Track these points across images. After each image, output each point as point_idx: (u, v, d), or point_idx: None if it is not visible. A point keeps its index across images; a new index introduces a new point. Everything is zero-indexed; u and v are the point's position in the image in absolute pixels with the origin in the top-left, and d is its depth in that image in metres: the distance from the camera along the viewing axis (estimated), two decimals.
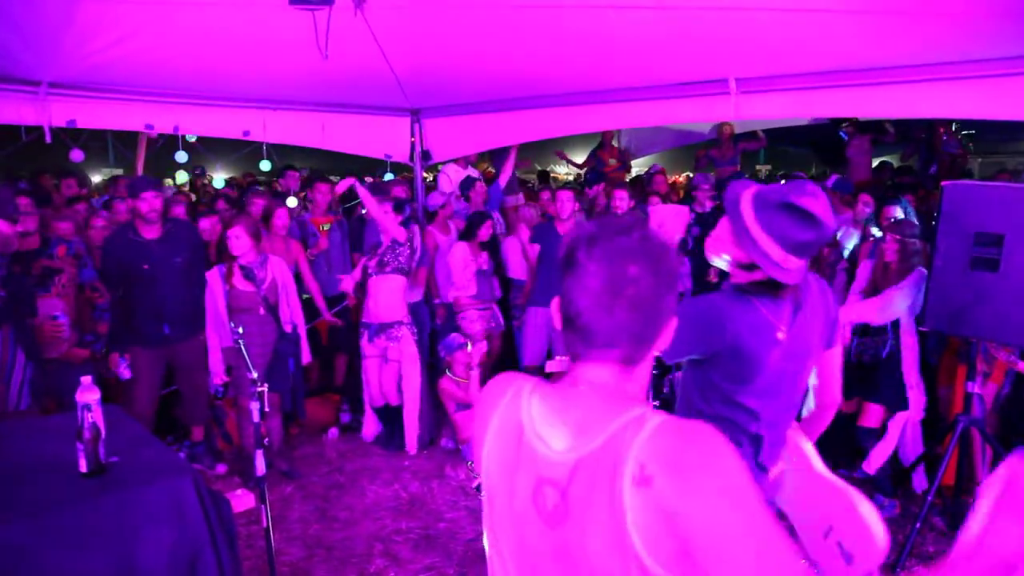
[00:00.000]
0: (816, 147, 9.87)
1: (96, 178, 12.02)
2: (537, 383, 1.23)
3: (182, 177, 7.44)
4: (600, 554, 1.07)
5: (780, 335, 1.93)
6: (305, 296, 5.78)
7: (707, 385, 2.04)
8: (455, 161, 7.15)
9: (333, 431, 5.48)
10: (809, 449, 2.19)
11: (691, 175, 10.32)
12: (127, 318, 4.47)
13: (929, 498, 3.69)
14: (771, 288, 1.93)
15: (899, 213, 4.77)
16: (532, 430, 1.18)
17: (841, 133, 7.72)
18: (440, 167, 7.62)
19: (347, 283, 5.27)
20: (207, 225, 5.37)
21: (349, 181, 5.37)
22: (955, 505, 4.09)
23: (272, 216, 5.28)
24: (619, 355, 1.14)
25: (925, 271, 3.87)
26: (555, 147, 9.76)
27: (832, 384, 2.19)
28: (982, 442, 3.96)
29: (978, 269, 3.35)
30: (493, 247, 6.02)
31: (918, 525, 3.69)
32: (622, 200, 5.74)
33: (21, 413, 3.73)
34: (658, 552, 1.02)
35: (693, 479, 1.01)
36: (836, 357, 2.16)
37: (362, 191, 5.17)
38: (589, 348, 1.14)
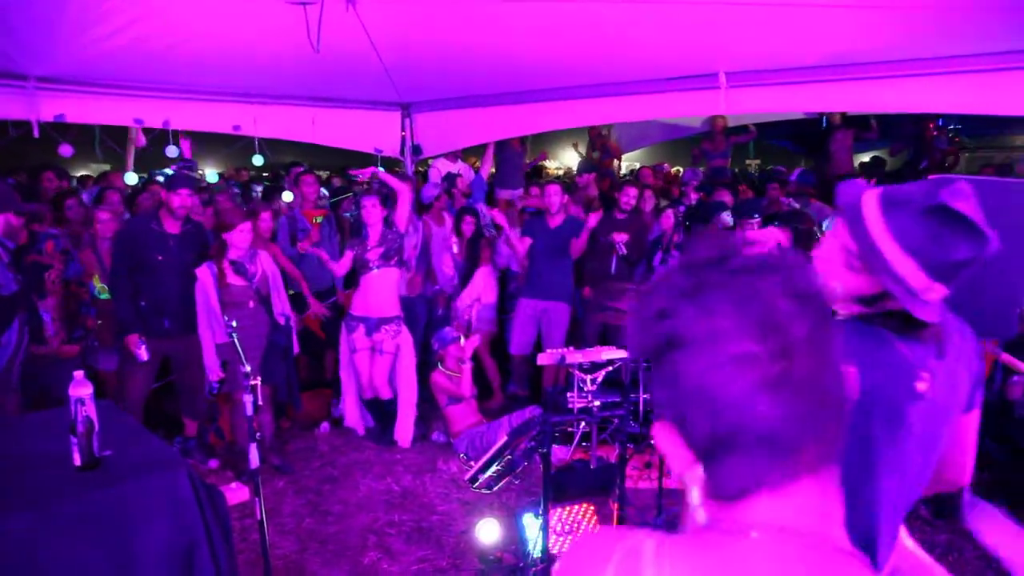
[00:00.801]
0: (802, 142, 9.93)
1: (83, 174, 11.94)
2: (663, 541, 0.77)
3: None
4: None
5: (922, 386, 1.40)
6: (291, 292, 5.79)
7: None
8: (444, 156, 7.16)
9: (325, 425, 5.49)
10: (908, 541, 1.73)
11: (680, 169, 10.36)
12: (137, 304, 4.52)
13: None
14: (907, 323, 1.41)
15: None
16: None
17: (823, 121, 7.73)
18: (429, 162, 7.63)
19: (342, 266, 5.21)
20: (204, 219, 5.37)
21: (372, 170, 5.46)
22: (940, 494, 4.14)
23: (256, 217, 5.28)
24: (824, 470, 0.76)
25: None
26: (545, 142, 9.76)
27: (965, 457, 1.63)
28: None
29: None
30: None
31: None
32: (631, 198, 5.80)
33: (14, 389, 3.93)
34: None
35: None
36: (974, 422, 1.59)
37: (388, 176, 5.23)
38: (791, 466, 0.73)
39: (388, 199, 5.22)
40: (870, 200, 1.39)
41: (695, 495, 0.78)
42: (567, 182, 9.19)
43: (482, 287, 5.93)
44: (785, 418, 0.69)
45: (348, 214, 4.84)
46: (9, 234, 3.96)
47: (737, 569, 0.70)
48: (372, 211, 4.98)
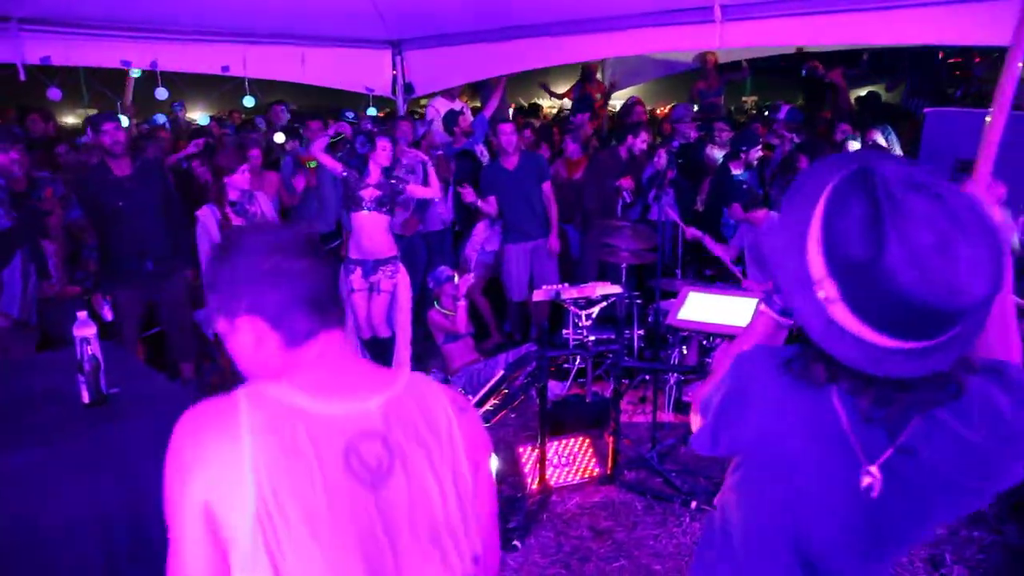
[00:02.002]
0: (799, 77, 9.81)
1: (71, 119, 11.77)
2: (252, 390, 1.12)
3: (160, 119, 7.31)
4: (436, 481, 1.16)
5: (867, 479, 1.05)
6: None
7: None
8: (442, 94, 7.08)
9: None
10: None
11: (667, 108, 10.25)
12: (108, 258, 4.48)
13: None
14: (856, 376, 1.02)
15: (880, 139, 4.82)
16: (315, 411, 1.10)
17: (803, 70, 7.63)
18: (426, 101, 7.55)
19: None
20: (197, 163, 5.35)
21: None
22: None
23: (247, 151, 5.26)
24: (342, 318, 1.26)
25: None
26: (539, 79, 9.63)
27: None
28: None
29: None
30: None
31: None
32: (644, 142, 5.77)
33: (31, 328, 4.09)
34: (469, 470, 1.22)
35: (483, 430, 1.31)
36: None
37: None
38: (323, 323, 1.17)
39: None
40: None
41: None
42: (560, 120, 9.12)
43: (483, 238, 5.94)
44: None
45: (359, 146, 4.69)
46: (4, 173, 3.98)
47: (330, 377, 1.16)
48: (382, 154, 4.91)
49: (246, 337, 1.18)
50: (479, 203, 5.63)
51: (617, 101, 10.37)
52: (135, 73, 5.92)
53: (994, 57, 7.79)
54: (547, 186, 5.61)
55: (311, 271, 1.16)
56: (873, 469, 1.04)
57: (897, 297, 0.91)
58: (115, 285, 4.48)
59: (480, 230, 5.94)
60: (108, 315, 4.44)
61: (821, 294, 0.98)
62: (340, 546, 1.09)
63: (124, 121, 6.70)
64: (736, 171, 5.53)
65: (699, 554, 1.38)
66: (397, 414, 1.16)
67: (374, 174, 4.83)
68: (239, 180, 4.44)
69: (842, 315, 0.97)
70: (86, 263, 4.77)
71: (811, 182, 1.02)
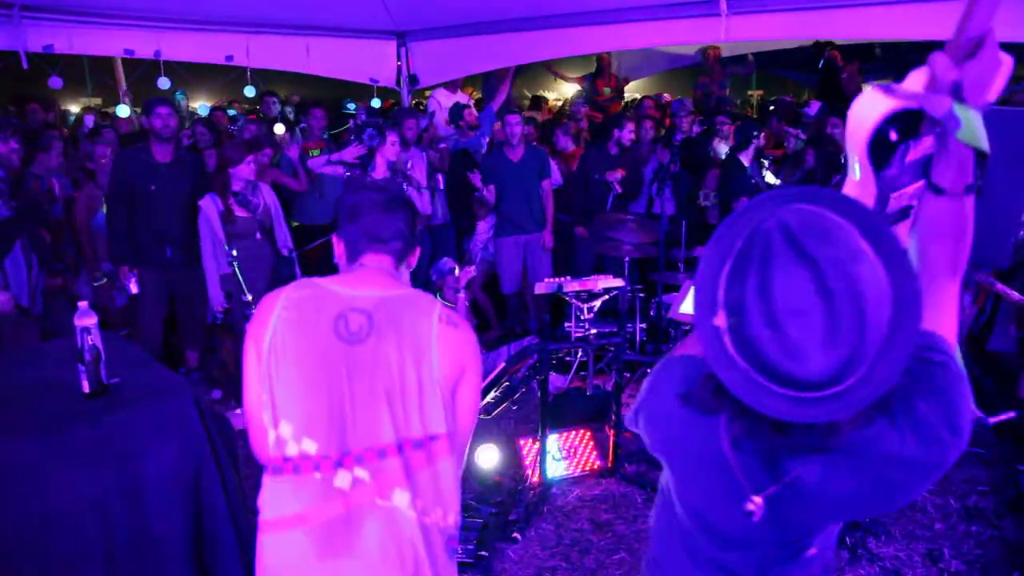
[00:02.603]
0: (806, 71, 9.76)
1: (75, 108, 11.76)
2: (294, 283, 1.71)
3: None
4: (399, 358, 1.60)
5: (751, 506, 1.06)
6: (295, 224, 5.80)
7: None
8: (444, 86, 7.05)
9: None
10: None
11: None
12: (131, 238, 4.54)
13: None
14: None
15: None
16: (332, 290, 1.66)
17: (823, 59, 7.59)
18: (429, 92, 7.53)
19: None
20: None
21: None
22: None
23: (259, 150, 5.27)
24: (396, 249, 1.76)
25: None
26: (544, 69, 9.60)
27: None
28: None
29: None
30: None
31: None
32: (631, 133, 5.78)
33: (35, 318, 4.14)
34: (444, 372, 1.62)
35: (472, 348, 1.71)
36: None
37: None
38: (373, 249, 1.74)
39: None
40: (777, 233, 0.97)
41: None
42: (566, 112, 9.08)
43: (487, 234, 5.94)
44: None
45: (367, 138, 4.64)
46: (3, 163, 4.00)
47: (357, 279, 1.71)
48: (391, 149, 4.87)
49: (338, 250, 1.81)
50: (484, 192, 5.63)
51: (628, 95, 10.35)
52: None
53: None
54: (547, 184, 5.61)
55: (376, 216, 1.74)
56: (756, 499, 1.04)
57: (754, 349, 0.94)
58: (140, 264, 4.56)
59: (484, 226, 5.94)
60: (134, 288, 4.50)
61: (717, 321, 0.99)
62: (313, 377, 1.59)
63: (125, 110, 6.73)
64: (745, 162, 5.51)
65: (657, 528, 1.42)
66: (387, 305, 1.65)
67: (380, 168, 4.79)
68: (244, 171, 4.44)
69: (731, 349, 0.97)
70: (63, 255, 4.80)
71: (754, 212, 1.01)
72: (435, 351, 1.61)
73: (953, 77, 1.06)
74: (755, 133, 5.46)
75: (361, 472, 1.57)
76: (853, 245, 0.93)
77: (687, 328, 4.66)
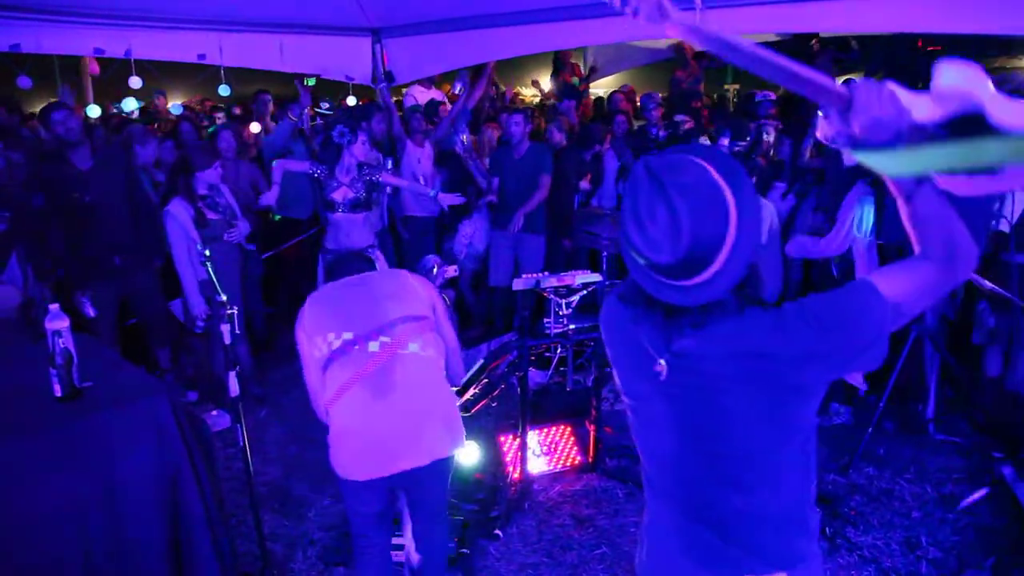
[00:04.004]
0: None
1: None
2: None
3: (130, 104, 7.16)
4: (389, 285, 2.68)
5: (657, 367, 1.43)
6: (277, 218, 5.75)
7: None
8: (419, 83, 7.02)
9: None
10: None
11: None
12: (78, 254, 4.34)
13: (881, 404, 3.89)
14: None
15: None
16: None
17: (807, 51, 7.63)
18: (404, 89, 7.48)
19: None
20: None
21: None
22: (904, 410, 4.30)
23: (217, 139, 5.20)
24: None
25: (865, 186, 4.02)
26: (522, 67, 9.61)
27: None
28: (931, 349, 4.14)
29: None
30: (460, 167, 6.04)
31: (871, 429, 3.90)
32: (607, 144, 6.03)
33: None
34: (419, 294, 2.66)
35: (433, 288, 2.81)
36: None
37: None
38: None
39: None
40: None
41: None
42: (543, 108, 9.07)
43: (471, 233, 5.93)
44: None
45: (337, 135, 4.57)
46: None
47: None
48: (361, 148, 4.79)
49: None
50: (482, 182, 5.68)
51: (601, 90, 10.35)
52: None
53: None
54: (546, 179, 5.61)
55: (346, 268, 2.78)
56: (661, 361, 1.41)
57: (632, 245, 1.33)
58: (89, 280, 4.38)
59: (467, 226, 5.93)
60: (91, 311, 4.34)
61: (621, 238, 1.37)
62: (339, 305, 2.59)
63: (96, 110, 6.62)
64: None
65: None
66: (382, 266, 2.96)
67: (350, 168, 4.70)
68: (210, 175, 4.39)
69: (636, 255, 1.35)
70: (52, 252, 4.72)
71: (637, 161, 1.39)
72: (410, 283, 2.68)
73: (840, 134, 1.34)
74: (726, 135, 5.49)
75: (384, 338, 2.46)
76: (700, 174, 1.28)
77: None
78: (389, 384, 2.39)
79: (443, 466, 2.54)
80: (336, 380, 2.41)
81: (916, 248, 1.38)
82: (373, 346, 2.43)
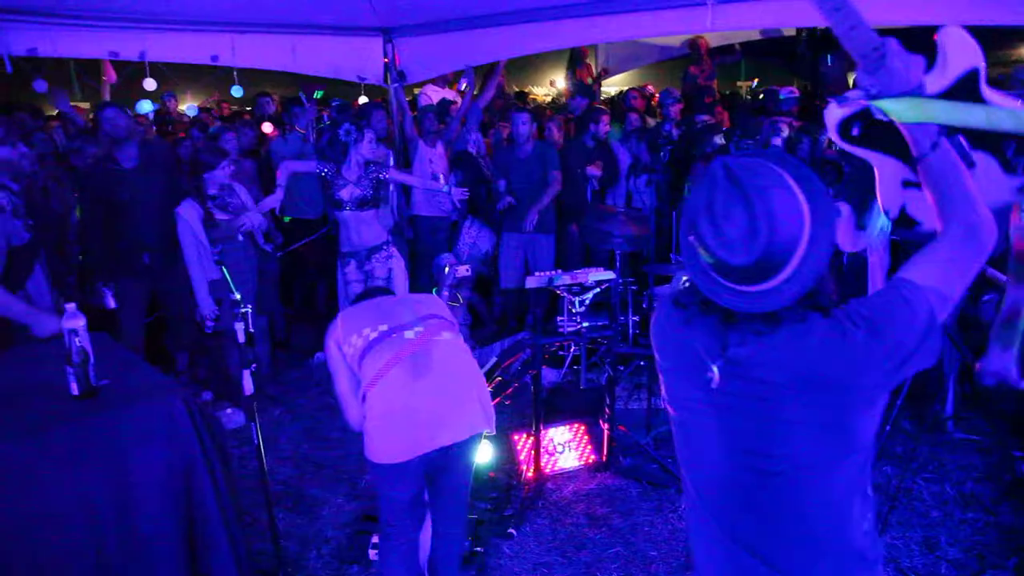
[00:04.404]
0: (792, 60, 9.76)
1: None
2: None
3: (145, 107, 7.20)
4: (411, 300, 3.09)
5: (710, 373, 1.37)
6: (287, 219, 5.77)
7: None
8: (432, 81, 7.02)
9: (319, 355, 5.55)
10: None
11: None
12: (110, 248, 4.48)
13: (899, 402, 3.85)
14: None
15: None
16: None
17: (828, 58, 7.59)
18: (417, 89, 7.49)
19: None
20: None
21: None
22: (922, 408, 4.25)
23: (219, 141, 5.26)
24: None
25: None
26: (533, 65, 9.60)
27: None
28: (949, 346, 4.09)
29: None
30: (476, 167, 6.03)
31: (888, 428, 3.86)
32: (605, 125, 5.93)
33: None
34: (434, 309, 2.81)
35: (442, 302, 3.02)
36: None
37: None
38: None
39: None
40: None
41: None
42: (556, 108, 9.06)
43: (476, 234, 5.92)
44: None
45: (343, 133, 4.58)
46: (13, 169, 3.93)
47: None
48: (368, 146, 4.80)
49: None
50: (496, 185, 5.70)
51: (613, 88, 10.32)
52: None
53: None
54: (556, 174, 5.59)
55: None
56: (714, 367, 1.35)
57: (705, 244, 1.29)
58: (117, 273, 4.49)
59: (467, 227, 5.93)
60: (111, 303, 4.45)
61: (691, 238, 1.34)
62: (373, 311, 2.73)
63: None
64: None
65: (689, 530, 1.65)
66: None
67: (355, 166, 4.71)
68: (220, 175, 4.41)
69: (701, 255, 1.32)
70: (68, 256, 4.77)
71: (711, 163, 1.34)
72: (433, 297, 3.03)
73: (865, 86, 1.45)
74: (738, 134, 5.47)
75: (419, 328, 2.62)
76: (777, 180, 1.26)
77: None
78: (427, 364, 2.52)
79: (476, 445, 2.68)
80: (375, 365, 2.50)
81: (938, 219, 1.39)
82: (409, 334, 2.58)
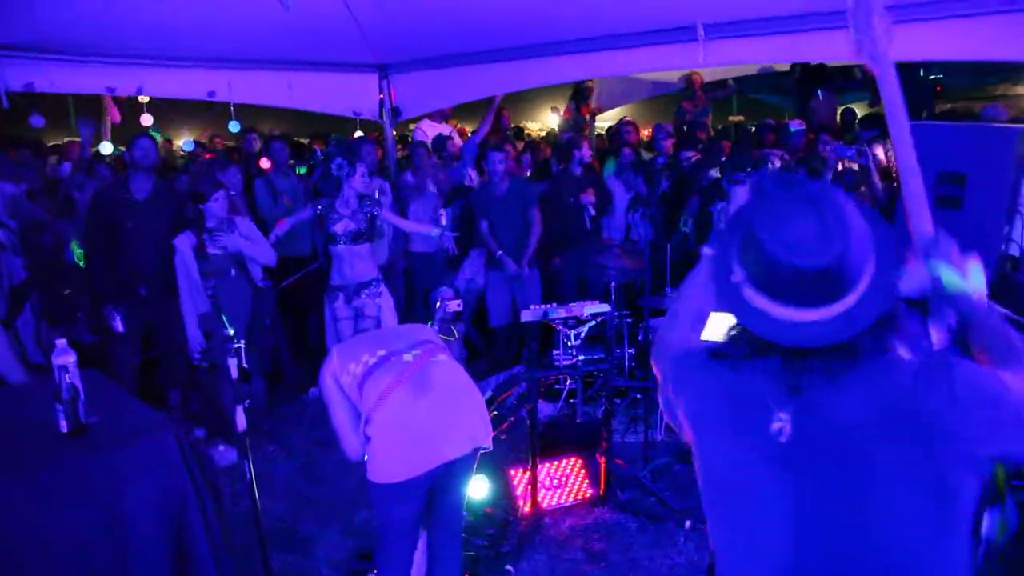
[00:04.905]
0: (785, 94, 9.90)
1: (66, 140, 11.67)
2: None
3: (107, 148, 7.18)
4: (405, 329, 3.33)
5: (777, 424, 1.17)
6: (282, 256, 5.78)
7: None
8: (428, 117, 7.08)
9: (313, 390, 5.50)
10: None
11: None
12: (112, 273, 4.52)
13: None
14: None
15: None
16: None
17: (819, 93, 7.71)
18: (412, 125, 7.55)
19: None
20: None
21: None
22: None
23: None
24: None
25: None
26: (528, 100, 9.67)
27: None
28: None
29: (942, 207, 3.42)
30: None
31: None
32: (585, 153, 6.03)
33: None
34: (428, 337, 2.96)
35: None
36: None
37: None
38: None
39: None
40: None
41: None
42: (551, 144, 9.12)
43: (475, 269, 5.94)
44: None
45: (335, 168, 4.61)
46: (15, 207, 3.95)
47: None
48: (360, 180, 4.83)
49: None
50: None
51: (605, 123, 10.40)
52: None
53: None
54: (535, 212, 5.59)
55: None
56: (782, 415, 1.15)
57: (767, 258, 1.10)
58: (118, 300, 4.51)
59: (467, 265, 5.94)
60: (120, 327, 4.44)
61: (735, 278, 1.17)
62: (374, 340, 2.90)
63: (108, 147, 6.71)
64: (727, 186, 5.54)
65: None
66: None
67: (350, 200, 4.75)
68: (216, 208, 4.41)
69: (750, 295, 1.15)
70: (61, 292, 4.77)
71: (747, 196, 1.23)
72: (423, 327, 3.11)
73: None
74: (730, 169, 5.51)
75: (416, 351, 2.70)
76: (831, 190, 1.15)
77: None
78: (427, 384, 2.62)
79: (475, 460, 2.75)
80: (376, 388, 2.58)
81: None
82: (407, 356, 2.67)
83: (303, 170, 6.12)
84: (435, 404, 2.61)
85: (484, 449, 2.75)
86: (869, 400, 1.10)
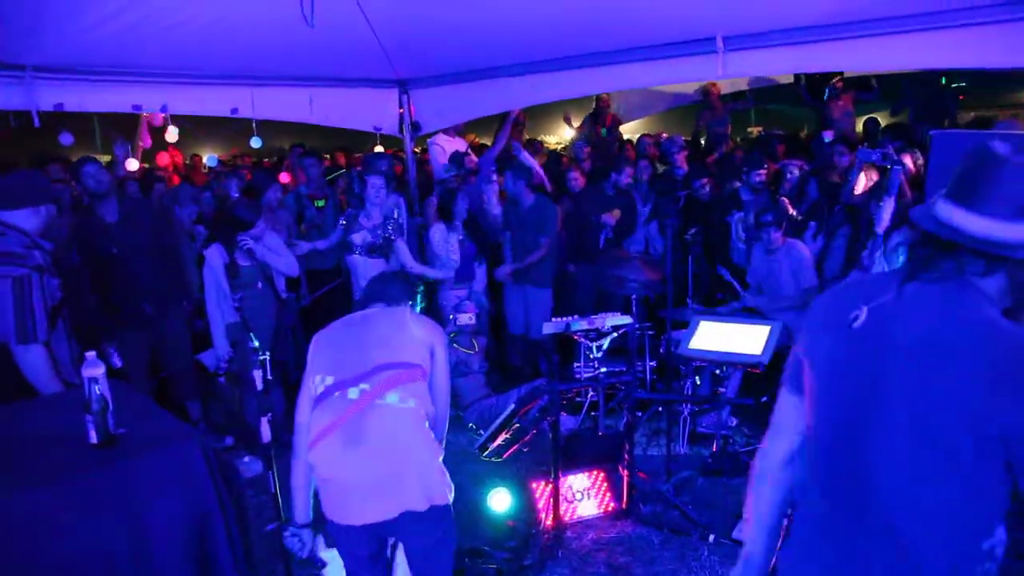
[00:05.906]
0: (803, 105, 9.87)
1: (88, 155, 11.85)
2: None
3: (165, 159, 7.32)
4: (385, 326, 2.72)
5: (856, 312, 1.44)
6: (307, 270, 5.85)
7: None
8: (444, 131, 7.14)
9: None
10: None
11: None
12: (108, 304, 4.48)
13: None
14: None
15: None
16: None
17: (827, 89, 7.67)
18: (428, 139, 7.61)
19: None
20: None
21: None
22: None
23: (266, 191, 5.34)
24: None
25: None
26: (545, 113, 9.70)
27: None
28: None
29: None
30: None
31: None
32: (628, 177, 6.08)
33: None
34: (418, 336, 2.67)
35: (435, 327, 2.82)
36: None
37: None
38: None
39: (391, 181, 5.22)
40: None
41: None
42: (568, 157, 9.15)
43: (481, 284, 5.97)
44: None
45: (356, 185, 4.74)
46: (49, 232, 3.95)
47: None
48: (372, 192, 4.92)
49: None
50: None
51: (626, 135, 10.42)
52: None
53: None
54: (545, 240, 5.59)
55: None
56: (863, 308, 1.40)
57: (986, 153, 1.34)
58: (119, 329, 4.48)
59: (477, 276, 5.98)
60: (118, 362, 4.43)
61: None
62: (330, 347, 2.66)
63: (134, 164, 6.82)
64: (745, 196, 5.54)
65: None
66: (380, 311, 2.77)
67: (373, 214, 4.86)
68: (255, 232, 4.46)
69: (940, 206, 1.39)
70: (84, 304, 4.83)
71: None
72: (409, 326, 2.65)
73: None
74: (745, 170, 5.52)
75: (364, 385, 2.47)
76: None
77: (697, 364, 4.62)
78: (362, 434, 2.42)
79: (423, 519, 2.46)
80: (318, 424, 2.50)
81: None
82: (353, 393, 2.47)
83: (321, 203, 6.16)
84: (363, 460, 2.41)
85: (427, 510, 2.46)
86: (950, 331, 1.30)
